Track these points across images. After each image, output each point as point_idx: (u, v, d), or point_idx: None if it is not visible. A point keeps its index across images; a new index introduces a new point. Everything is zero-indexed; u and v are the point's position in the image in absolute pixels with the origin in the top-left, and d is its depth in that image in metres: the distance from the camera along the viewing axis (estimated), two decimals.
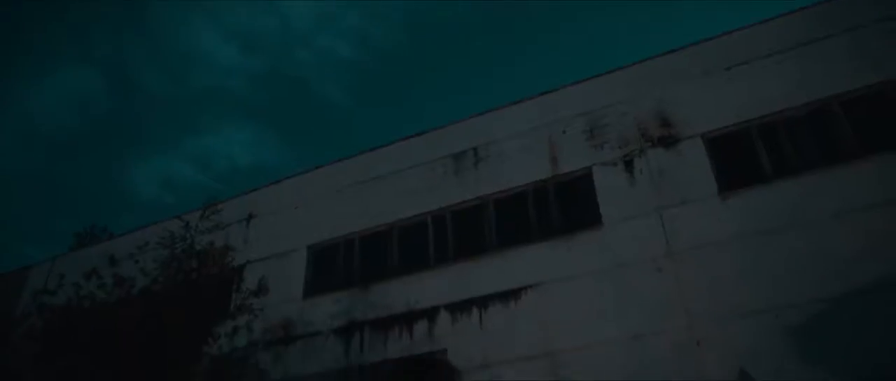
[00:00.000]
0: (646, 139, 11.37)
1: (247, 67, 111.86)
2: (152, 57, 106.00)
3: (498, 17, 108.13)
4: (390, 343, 11.58)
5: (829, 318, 8.98)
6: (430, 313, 11.59)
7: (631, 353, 9.90)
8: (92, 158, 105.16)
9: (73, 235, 23.42)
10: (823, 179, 9.81)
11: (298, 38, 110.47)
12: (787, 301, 9.28)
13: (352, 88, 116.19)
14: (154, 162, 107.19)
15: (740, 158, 10.60)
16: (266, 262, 13.16)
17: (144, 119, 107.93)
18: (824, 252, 9.33)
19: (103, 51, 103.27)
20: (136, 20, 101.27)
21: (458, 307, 11.45)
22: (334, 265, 13.02)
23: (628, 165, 11.34)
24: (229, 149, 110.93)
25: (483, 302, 11.33)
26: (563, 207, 11.66)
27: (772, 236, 9.72)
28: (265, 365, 11.13)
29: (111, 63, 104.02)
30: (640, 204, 10.89)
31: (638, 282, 10.40)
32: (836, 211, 9.48)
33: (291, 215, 14.08)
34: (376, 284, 12.32)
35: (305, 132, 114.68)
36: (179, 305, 10.47)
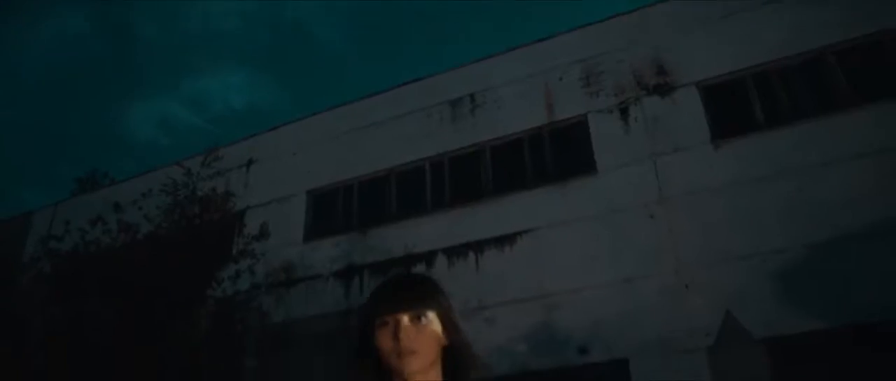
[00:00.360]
0: (641, 87, 11.42)
1: (241, 8, 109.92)
2: None
3: None
4: None
5: (815, 264, 9.22)
6: (428, 257, 11.85)
7: (622, 296, 10.18)
8: (88, 102, 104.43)
9: (74, 180, 23.47)
10: (816, 129, 9.93)
11: None
12: (775, 247, 9.50)
13: (348, 31, 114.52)
14: (150, 104, 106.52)
15: (734, 107, 10.68)
16: (266, 207, 13.33)
17: (138, 62, 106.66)
18: (814, 200, 9.51)
19: None
20: None
21: (455, 251, 11.70)
22: (333, 210, 13.21)
23: (623, 112, 11.42)
24: (224, 91, 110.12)
25: (479, 247, 11.58)
26: (559, 153, 11.79)
27: (762, 184, 9.89)
28: (268, 307, 11.41)
29: (103, 4, 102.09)
30: (635, 151, 11.02)
31: (630, 228, 10.61)
32: (827, 160, 9.62)
33: (290, 161, 14.19)
34: (375, 228, 12.54)
35: (301, 76, 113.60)
36: (183, 250, 10.68)
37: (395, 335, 1.56)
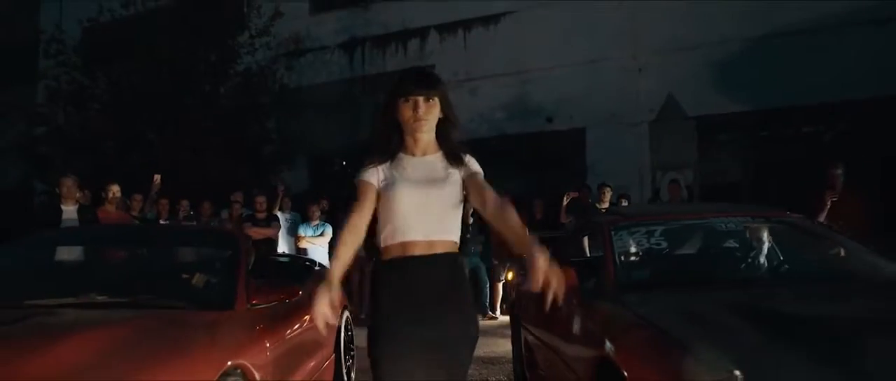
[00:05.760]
0: None
1: None
2: None
3: None
4: (388, 58, 14.30)
5: (747, 56, 11.58)
6: (422, 33, 14.13)
7: (585, 75, 12.70)
8: None
9: None
10: None
11: None
12: (718, 39, 11.77)
13: None
14: None
15: None
16: None
17: None
18: None
19: None
20: None
21: (446, 28, 13.94)
22: None
23: None
24: None
25: (467, 25, 13.79)
26: None
27: None
28: (281, 75, 13.83)
29: None
30: None
31: (600, 14, 12.75)
32: None
33: None
34: (375, 2, 14.55)
35: None
36: (202, 16, 12.85)
37: (415, 109, 2.34)
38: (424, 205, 2.34)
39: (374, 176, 2.38)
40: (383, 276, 2.39)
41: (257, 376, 2.98)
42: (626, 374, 2.62)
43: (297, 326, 3.86)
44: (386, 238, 2.38)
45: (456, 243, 2.43)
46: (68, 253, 4.38)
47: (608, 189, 8.76)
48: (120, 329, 2.72)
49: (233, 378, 2.77)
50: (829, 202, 6.80)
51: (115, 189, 7.01)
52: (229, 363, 2.82)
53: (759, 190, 11.65)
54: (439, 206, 2.37)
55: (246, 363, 2.92)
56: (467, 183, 2.41)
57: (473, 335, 2.42)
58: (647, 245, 3.74)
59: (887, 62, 10.53)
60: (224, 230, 5.05)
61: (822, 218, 6.77)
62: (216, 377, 2.66)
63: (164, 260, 3.95)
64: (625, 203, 8.83)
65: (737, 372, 2.13)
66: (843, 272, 3.58)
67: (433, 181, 2.38)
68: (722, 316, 2.63)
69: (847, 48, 10.91)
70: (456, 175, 2.41)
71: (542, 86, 13.13)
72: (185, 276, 3.57)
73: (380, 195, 2.37)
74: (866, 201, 6.94)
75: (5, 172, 16.65)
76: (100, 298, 3.15)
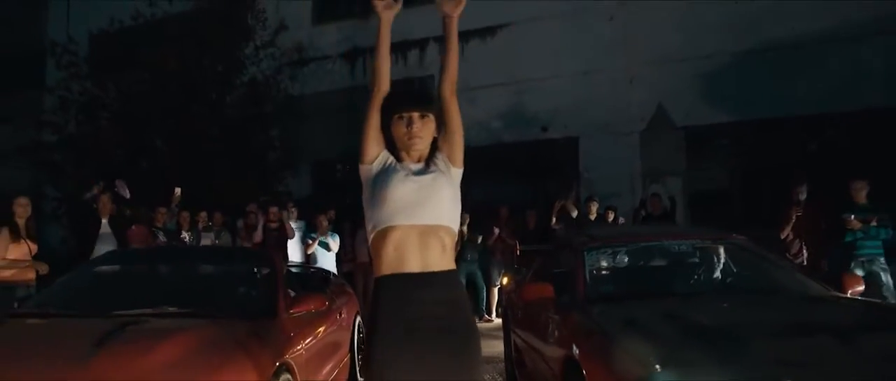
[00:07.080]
0: None
1: None
2: None
3: None
4: None
5: (734, 69, 12.51)
6: (422, 44, 15.03)
7: (578, 86, 13.65)
8: None
9: None
10: None
11: None
12: (707, 52, 12.69)
13: None
14: None
15: None
16: None
17: None
18: (746, 13, 12.38)
19: None
20: None
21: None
22: None
23: None
24: None
25: (464, 36, 14.64)
26: None
27: None
28: (285, 84, 14.75)
29: None
30: None
31: (592, 27, 13.70)
32: None
33: None
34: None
35: None
36: (209, 26, 13.73)
37: (409, 125, 2.53)
38: (415, 191, 2.44)
39: (384, 155, 2.58)
40: (377, 297, 2.44)
41: (298, 373, 3.91)
42: (584, 371, 3.55)
43: (323, 331, 4.79)
44: (376, 224, 2.45)
45: (451, 229, 2.48)
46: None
47: (595, 202, 9.72)
48: (195, 335, 3.63)
49: (284, 375, 3.69)
50: (794, 217, 7.76)
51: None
52: (278, 362, 3.74)
53: (747, 198, 12.63)
54: (429, 191, 2.45)
55: (291, 361, 3.85)
56: (440, 143, 2.61)
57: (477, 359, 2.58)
58: (613, 264, 4.67)
59: (870, 76, 11.54)
60: (263, 252, 5.96)
61: (787, 231, 7.76)
62: (271, 374, 3.58)
63: (218, 276, 4.87)
64: (611, 215, 9.77)
65: (657, 365, 3.05)
66: (773, 287, 4.52)
67: (421, 172, 2.51)
68: (655, 321, 3.55)
69: (831, 62, 11.82)
70: (438, 164, 2.57)
71: (537, 96, 14.05)
72: (235, 290, 4.52)
73: (372, 179, 2.53)
74: (826, 216, 7.90)
75: (11, 177, 17.52)
76: (171, 309, 4.07)
